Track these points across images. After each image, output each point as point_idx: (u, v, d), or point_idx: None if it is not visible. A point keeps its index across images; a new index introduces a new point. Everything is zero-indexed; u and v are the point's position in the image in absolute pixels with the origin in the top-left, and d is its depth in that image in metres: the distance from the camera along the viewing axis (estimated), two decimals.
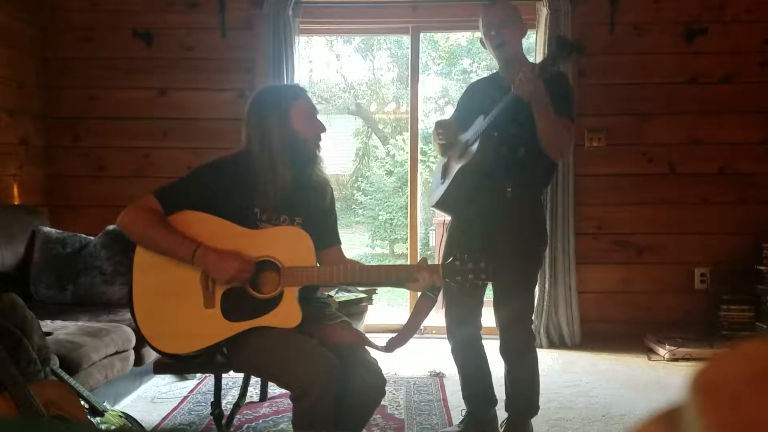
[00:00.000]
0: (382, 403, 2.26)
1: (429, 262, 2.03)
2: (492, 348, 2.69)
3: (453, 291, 2.54)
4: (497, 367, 2.69)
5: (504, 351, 2.57)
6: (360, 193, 11.24)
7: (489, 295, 3.05)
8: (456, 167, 2.51)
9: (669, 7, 4.16)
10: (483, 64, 10.62)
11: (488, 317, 2.70)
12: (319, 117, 2.19)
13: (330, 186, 2.27)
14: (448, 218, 2.74)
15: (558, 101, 2.34)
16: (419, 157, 4.70)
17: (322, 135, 2.17)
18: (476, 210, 2.51)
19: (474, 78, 2.84)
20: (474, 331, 2.65)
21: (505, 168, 2.43)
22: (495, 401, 2.69)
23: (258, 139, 2.09)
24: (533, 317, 2.70)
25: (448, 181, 2.54)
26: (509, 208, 2.47)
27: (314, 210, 2.17)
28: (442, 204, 2.63)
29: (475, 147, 2.43)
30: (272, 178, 2.06)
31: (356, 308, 3.17)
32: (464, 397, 2.71)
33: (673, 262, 4.22)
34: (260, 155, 2.07)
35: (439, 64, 11.66)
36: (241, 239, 2.02)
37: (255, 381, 3.09)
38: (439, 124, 2.64)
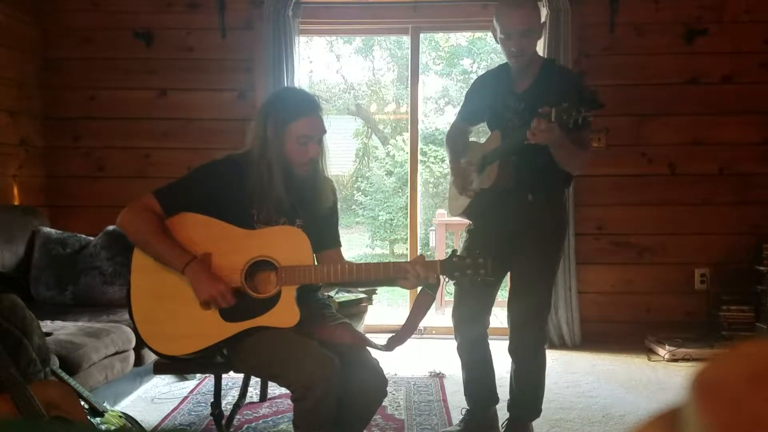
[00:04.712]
0: (382, 403, 2.26)
1: (427, 260, 2.02)
2: (496, 348, 2.69)
3: (464, 288, 2.54)
4: (501, 366, 2.69)
5: (514, 350, 2.56)
6: (360, 193, 11.25)
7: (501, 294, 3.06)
8: (475, 183, 2.51)
9: (669, 8, 4.16)
10: (483, 64, 10.63)
11: (492, 317, 2.71)
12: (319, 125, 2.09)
13: (333, 188, 2.26)
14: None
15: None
16: (419, 157, 4.70)
17: (312, 160, 2.09)
18: (498, 216, 2.51)
19: (478, 74, 2.81)
20: (481, 330, 2.64)
21: (526, 180, 2.43)
22: (497, 399, 2.69)
23: (258, 145, 2.06)
24: (548, 318, 2.68)
25: (468, 197, 2.55)
26: (531, 212, 2.47)
27: (315, 212, 2.17)
28: (463, 214, 2.65)
29: (493, 169, 2.43)
30: (269, 185, 2.05)
31: (356, 308, 3.17)
32: (466, 395, 2.70)
33: (673, 263, 4.22)
34: (258, 161, 2.05)
35: (439, 65, 11.67)
36: (239, 239, 2.02)
37: (255, 381, 3.09)
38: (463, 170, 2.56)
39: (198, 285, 1.95)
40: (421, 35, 4.57)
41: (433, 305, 2.11)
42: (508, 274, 2.59)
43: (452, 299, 2.71)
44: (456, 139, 2.68)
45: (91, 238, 3.54)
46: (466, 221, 2.72)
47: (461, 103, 2.78)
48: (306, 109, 2.06)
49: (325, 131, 2.11)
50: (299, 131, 2.04)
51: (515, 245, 2.49)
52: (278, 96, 2.19)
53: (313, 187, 2.15)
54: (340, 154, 11.76)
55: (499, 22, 2.40)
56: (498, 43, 2.46)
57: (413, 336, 2.12)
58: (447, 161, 2.68)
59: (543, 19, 2.64)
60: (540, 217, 2.47)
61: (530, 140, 2.18)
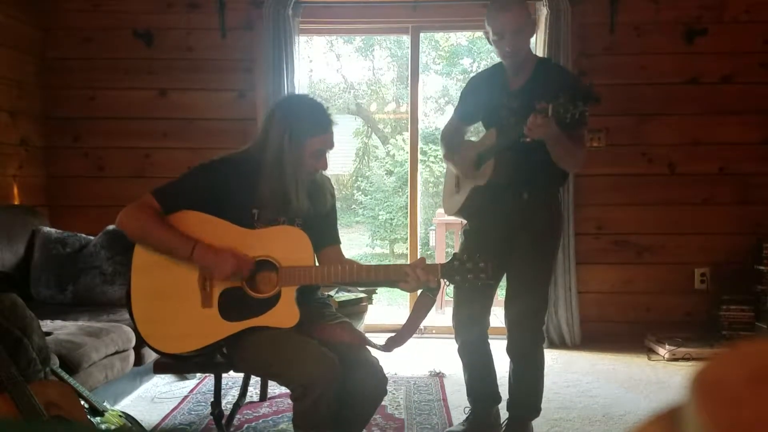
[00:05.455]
0: (382, 402, 2.26)
1: (428, 262, 2.03)
2: (496, 347, 2.70)
3: (463, 290, 2.55)
4: (502, 365, 2.70)
5: (512, 350, 2.57)
6: (360, 192, 11.25)
7: (499, 294, 3.06)
8: (471, 181, 2.51)
9: (669, 8, 4.16)
10: (483, 63, 10.62)
11: (492, 317, 2.71)
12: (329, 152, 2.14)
13: (331, 185, 2.27)
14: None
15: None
16: (419, 157, 4.70)
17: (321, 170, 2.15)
18: (494, 214, 2.51)
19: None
20: (482, 330, 2.65)
21: (521, 177, 2.43)
22: (499, 399, 2.70)
23: (274, 150, 2.05)
24: (545, 318, 2.69)
25: (464, 194, 2.55)
26: (526, 210, 2.47)
27: (314, 210, 2.17)
28: (459, 213, 2.65)
29: (489, 166, 2.43)
30: (278, 187, 2.05)
31: (356, 308, 3.17)
32: (468, 395, 2.71)
33: (673, 262, 4.22)
34: (272, 164, 2.05)
35: (439, 64, 11.67)
36: (239, 239, 2.02)
37: (255, 381, 3.09)
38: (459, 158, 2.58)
39: (213, 264, 1.95)
40: (421, 35, 4.56)
41: (434, 306, 2.11)
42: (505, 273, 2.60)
43: (452, 300, 2.71)
44: (451, 138, 2.69)
45: (91, 238, 3.54)
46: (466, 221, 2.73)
47: (456, 103, 2.79)
48: (324, 126, 2.09)
49: (334, 145, 2.14)
50: (316, 146, 2.07)
51: (512, 245, 2.49)
52: (297, 107, 2.14)
53: (313, 187, 2.15)
54: (340, 153, 11.77)
55: (490, 24, 2.42)
56: (491, 44, 2.48)
57: (413, 336, 2.12)
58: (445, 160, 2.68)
59: (534, 16, 2.65)
60: (536, 216, 2.47)
61: (527, 136, 2.19)
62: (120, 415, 2.44)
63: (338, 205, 2.34)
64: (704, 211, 4.21)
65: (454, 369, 3.41)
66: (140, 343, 2.95)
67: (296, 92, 3.95)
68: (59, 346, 2.53)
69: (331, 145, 2.12)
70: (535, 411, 2.60)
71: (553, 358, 3.82)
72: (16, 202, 3.90)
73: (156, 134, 4.29)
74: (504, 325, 2.63)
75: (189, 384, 3.36)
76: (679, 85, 4.19)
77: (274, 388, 3.14)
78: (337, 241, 2.25)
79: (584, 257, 4.20)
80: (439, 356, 3.78)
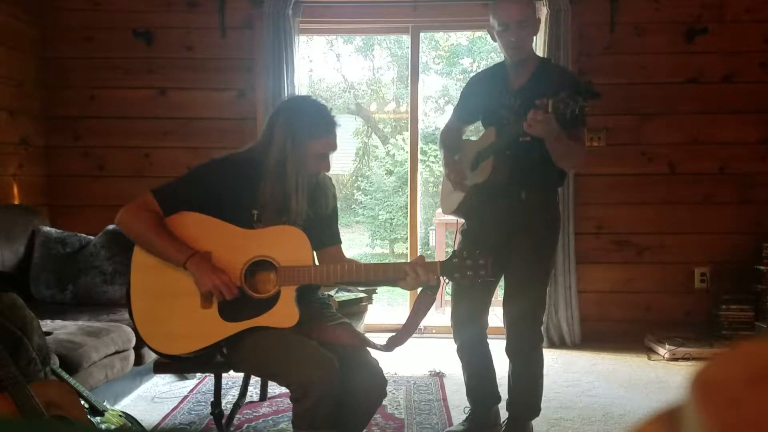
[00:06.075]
0: (382, 402, 2.26)
1: (427, 260, 2.03)
2: (496, 347, 2.70)
3: (461, 289, 2.55)
4: (501, 365, 2.70)
5: (510, 350, 2.57)
6: (360, 192, 11.25)
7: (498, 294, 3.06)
8: (469, 179, 2.51)
9: (669, 7, 4.16)
10: (483, 63, 10.62)
11: (491, 317, 2.71)
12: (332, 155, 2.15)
13: (333, 186, 2.27)
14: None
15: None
16: (419, 156, 4.70)
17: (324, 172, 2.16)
18: (492, 214, 2.51)
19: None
20: (481, 330, 2.65)
21: (520, 177, 2.43)
22: (499, 399, 2.70)
23: (277, 153, 2.05)
24: (544, 317, 2.68)
25: (462, 193, 2.55)
26: (524, 210, 2.47)
27: (316, 212, 2.17)
28: (456, 212, 2.65)
29: (488, 164, 2.43)
30: (279, 189, 2.05)
31: (356, 308, 3.17)
32: (468, 396, 2.71)
33: (673, 262, 4.22)
34: (276, 168, 2.04)
35: (439, 64, 11.67)
36: (239, 239, 2.02)
37: (255, 381, 3.09)
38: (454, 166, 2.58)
39: (200, 276, 1.95)
40: (421, 34, 4.56)
41: (434, 305, 2.11)
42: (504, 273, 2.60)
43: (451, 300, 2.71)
44: (449, 138, 2.69)
45: (91, 238, 3.54)
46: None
47: (456, 103, 2.79)
48: (328, 128, 2.09)
49: (337, 147, 2.13)
50: (319, 149, 2.07)
51: (510, 245, 2.49)
52: (300, 109, 2.13)
53: (315, 189, 2.15)
54: (340, 153, 11.72)
55: (496, 15, 2.42)
56: (495, 40, 2.47)
57: (413, 335, 2.12)
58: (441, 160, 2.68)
59: (539, 16, 2.65)
60: (534, 216, 2.47)
61: (526, 133, 2.19)
62: (120, 415, 2.44)
63: (338, 205, 2.34)
64: (704, 210, 4.21)
65: (454, 369, 3.41)
66: (140, 343, 2.95)
67: (298, 93, 3.95)
68: (59, 346, 2.53)
69: (334, 148, 2.12)
70: (535, 411, 2.60)
71: (553, 358, 3.82)
72: (16, 202, 3.90)
73: (156, 134, 4.29)
74: (503, 325, 2.63)
75: (189, 384, 3.36)
76: (679, 85, 4.19)
77: (274, 388, 3.14)
78: (338, 242, 2.25)
79: (584, 257, 4.20)
80: (439, 356, 3.78)
